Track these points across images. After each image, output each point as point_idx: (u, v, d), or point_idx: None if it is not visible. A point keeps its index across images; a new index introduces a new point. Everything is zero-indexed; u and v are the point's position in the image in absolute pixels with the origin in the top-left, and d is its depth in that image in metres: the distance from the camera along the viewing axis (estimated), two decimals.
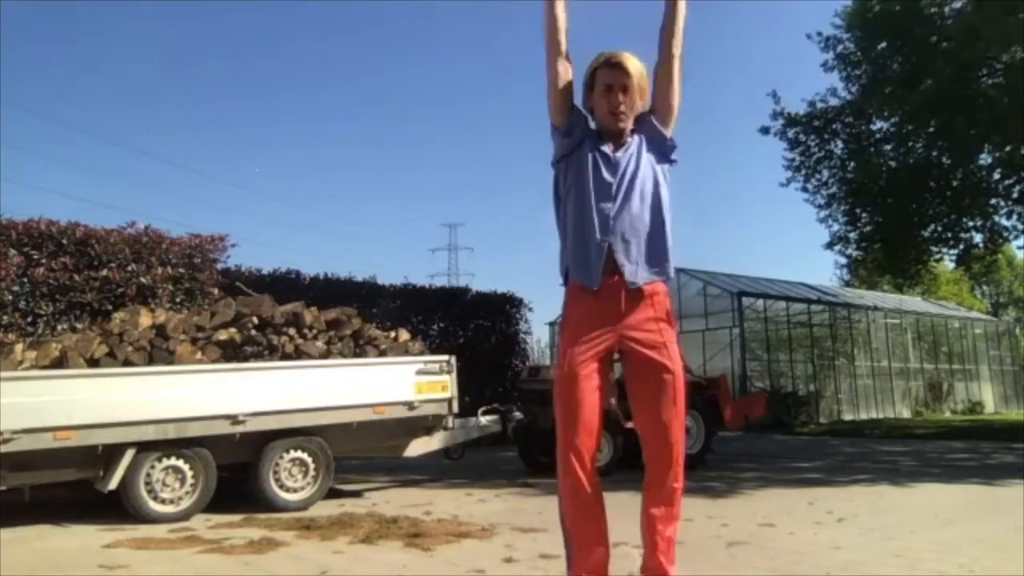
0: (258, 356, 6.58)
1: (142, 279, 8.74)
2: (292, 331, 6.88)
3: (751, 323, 18.69)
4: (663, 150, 2.61)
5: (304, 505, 6.10)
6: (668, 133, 2.61)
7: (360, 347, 7.21)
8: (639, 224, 2.50)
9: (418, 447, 7.10)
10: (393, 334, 7.70)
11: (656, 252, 2.52)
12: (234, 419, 5.85)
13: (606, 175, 2.50)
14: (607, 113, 2.52)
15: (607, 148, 2.54)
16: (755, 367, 18.45)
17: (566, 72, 2.56)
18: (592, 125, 2.62)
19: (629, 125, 2.56)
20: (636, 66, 2.51)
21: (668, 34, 2.55)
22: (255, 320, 6.84)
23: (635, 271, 2.49)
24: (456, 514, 5.61)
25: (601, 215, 2.48)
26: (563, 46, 2.55)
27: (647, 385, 2.51)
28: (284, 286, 10.71)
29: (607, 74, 2.49)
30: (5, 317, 7.95)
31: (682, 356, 2.60)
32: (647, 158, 2.56)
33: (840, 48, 16.61)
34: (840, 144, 17.46)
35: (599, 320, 2.50)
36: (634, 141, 2.57)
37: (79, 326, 7.93)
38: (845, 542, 4.47)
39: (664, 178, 2.60)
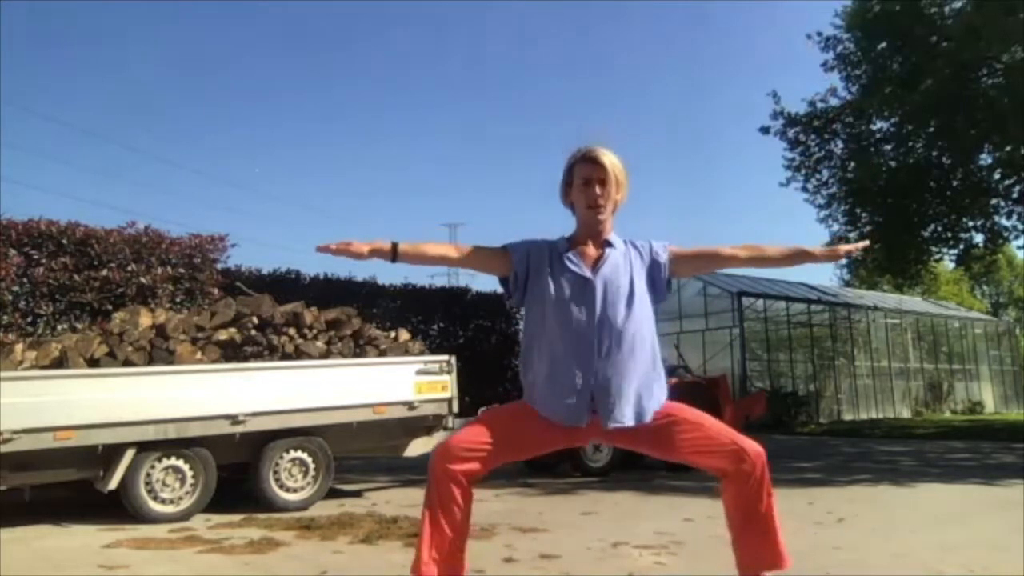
0: (258, 356, 6.58)
1: (142, 279, 8.74)
2: (292, 331, 6.88)
3: (751, 323, 18.71)
4: (657, 287, 2.50)
5: (304, 505, 6.10)
6: (667, 276, 2.52)
7: (360, 347, 7.21)
8: (627, 363, 2.34)
9: (418, 447, 7.09)
10: (393, 334, 7.70)
11: (646, 385, 2.36)
12: (234, 419, 5.85)
13: (585, 303, 2.36)
14: (586, 207, 2.44)
15: (585, 270, 2.40)
16: (755, 367, 18.47)
17: (470, 257, 2.51)
18: (554, 243, 2.49)
19: (608, 218, 2.47)
20: (612, 160, 2.43)
21: (757, 260, 2.59)
22: (255, 320, 6.84)
23: (620, 414, 2.33)
24: None
25: (579, 351, 2.33)
26: (458, 259, 2.51)
27: (654, 431, 2.37)
28: (284, 286, 10.72)
29: (584, 168, 2.42)
30: (5, 317, 7.96)
31: (681, 356, 2.58)
32: (639, 281, 2.43)
33: (840, 48, 16.63)
34: (840, 144, 17.47)
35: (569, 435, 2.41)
36: (618, 255, 2.45)
37: (79, 326, 7.94)
38: (845, 542, 4.46)
39: (648, 302, 2.45)
